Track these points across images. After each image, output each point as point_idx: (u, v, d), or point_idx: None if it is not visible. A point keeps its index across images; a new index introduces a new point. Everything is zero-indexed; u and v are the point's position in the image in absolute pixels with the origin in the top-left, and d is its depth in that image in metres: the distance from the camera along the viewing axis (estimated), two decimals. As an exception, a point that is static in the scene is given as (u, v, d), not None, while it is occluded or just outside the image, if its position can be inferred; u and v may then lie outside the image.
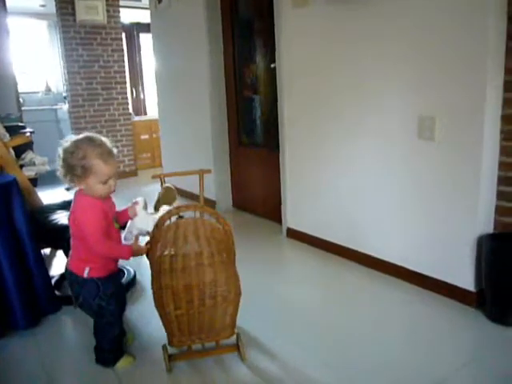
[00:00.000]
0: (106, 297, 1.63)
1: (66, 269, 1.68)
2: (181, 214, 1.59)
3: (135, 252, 1.58)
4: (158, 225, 1.54)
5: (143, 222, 1.61)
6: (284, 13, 2.87)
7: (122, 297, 1.79)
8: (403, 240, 2.35)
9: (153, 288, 1.56)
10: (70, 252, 1.67)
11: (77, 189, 1.62)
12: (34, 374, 1.73)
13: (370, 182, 2.48)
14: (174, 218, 1.55)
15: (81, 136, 1.60)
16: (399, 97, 2.24)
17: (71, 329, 2.12)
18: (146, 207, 1.68)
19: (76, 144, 1.55)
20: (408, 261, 2.33)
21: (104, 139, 1.61)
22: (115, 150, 1.63)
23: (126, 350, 1.81)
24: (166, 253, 1.52)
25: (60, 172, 1.58)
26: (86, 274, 1.61)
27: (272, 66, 3.12)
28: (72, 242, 1.65)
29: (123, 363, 1.73)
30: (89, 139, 1.57)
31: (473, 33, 1.89)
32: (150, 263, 1.60)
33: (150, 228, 1.56)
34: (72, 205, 1.62)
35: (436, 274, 2.20)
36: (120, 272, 1.78)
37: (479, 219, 2.01)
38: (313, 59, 2.73)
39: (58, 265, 2.79)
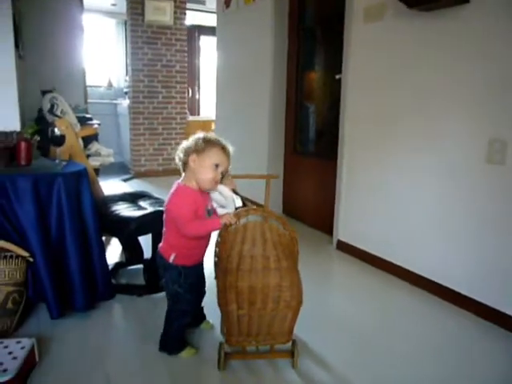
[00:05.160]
0: (186, 285, 1.70)
1: (158, 251, 1.76)
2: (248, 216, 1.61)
3: (221, 218, 1.58)
4: (226, 226, 1.58)
5: (217, 194, 1.70)
6: (354, 26, 2.87)
7: (201, 288, 1.87)
8: (462, 265, 2.28)
9: (218, 286, 1.59)
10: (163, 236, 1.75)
11: (178, 181, 1.68)
12: (87, 353, 1.81)
13: (432, 204, 2.42)
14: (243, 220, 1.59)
15: None
16: (468, 117, 2.19)
17: (123, 316, 2.19)
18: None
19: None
20: (465, 287, 2.26)
21: None
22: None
23: (189, 341, 1.86)
24: (234, 253, 1.55)
25: (178, 157, 1.68)
26: (171, 260, 1.68)
27: (337, 77, 3.12)
28: (164, 228, 1.73)
29: (187, 354, 1.78)
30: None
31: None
32: (217, 262, 1.64)
33: (225, 200, 1.68)
34: (169, 196, 1.67)
35: (494, 303, 2.12)
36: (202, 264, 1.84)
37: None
38: (379, 74, 2.71)
39: (113, 254, 2.90)
